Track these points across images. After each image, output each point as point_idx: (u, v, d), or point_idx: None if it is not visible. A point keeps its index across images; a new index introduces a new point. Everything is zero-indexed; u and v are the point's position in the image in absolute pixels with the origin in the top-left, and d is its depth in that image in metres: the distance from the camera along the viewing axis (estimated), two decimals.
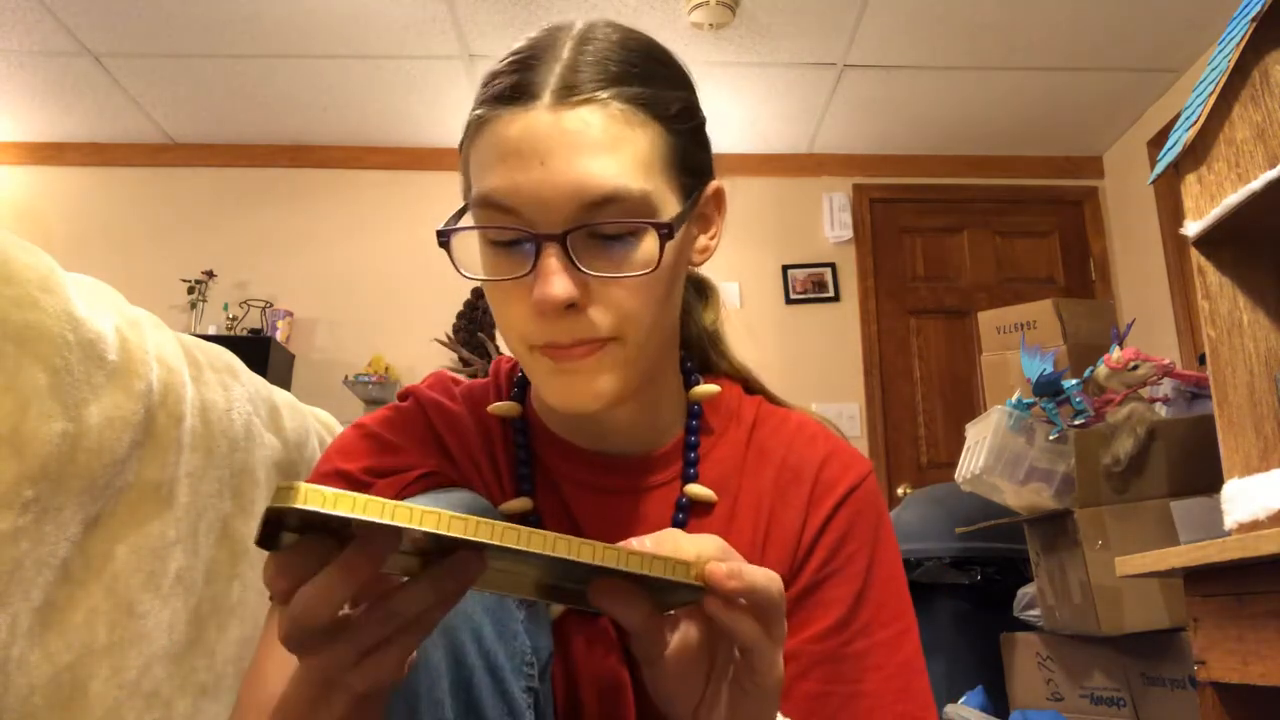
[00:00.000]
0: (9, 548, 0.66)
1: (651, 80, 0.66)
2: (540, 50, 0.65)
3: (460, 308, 3.81)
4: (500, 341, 2.56)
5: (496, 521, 0.44)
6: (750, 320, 3.84)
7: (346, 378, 3.71)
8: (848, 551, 0.72)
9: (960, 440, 1.93)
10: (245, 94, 3.69)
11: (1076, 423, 1.77)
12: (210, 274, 3.85)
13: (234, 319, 3.80)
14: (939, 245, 4.09)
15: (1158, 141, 3.63)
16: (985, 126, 3.90)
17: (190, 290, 3.80)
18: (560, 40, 0.66)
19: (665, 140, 0.65)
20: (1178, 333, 3.49)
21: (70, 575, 0.72)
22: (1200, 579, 1.18)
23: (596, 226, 0.62)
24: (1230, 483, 1.13)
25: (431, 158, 3.98)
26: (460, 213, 0.68)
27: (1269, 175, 1.07)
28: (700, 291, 0.86)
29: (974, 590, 2.07)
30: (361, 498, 0.42)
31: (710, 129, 0.73)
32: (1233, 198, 1.12)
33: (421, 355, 3.74)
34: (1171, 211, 3.53)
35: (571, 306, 0.63)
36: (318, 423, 1.16)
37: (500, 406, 0.77)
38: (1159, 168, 1.25)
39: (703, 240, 0.73)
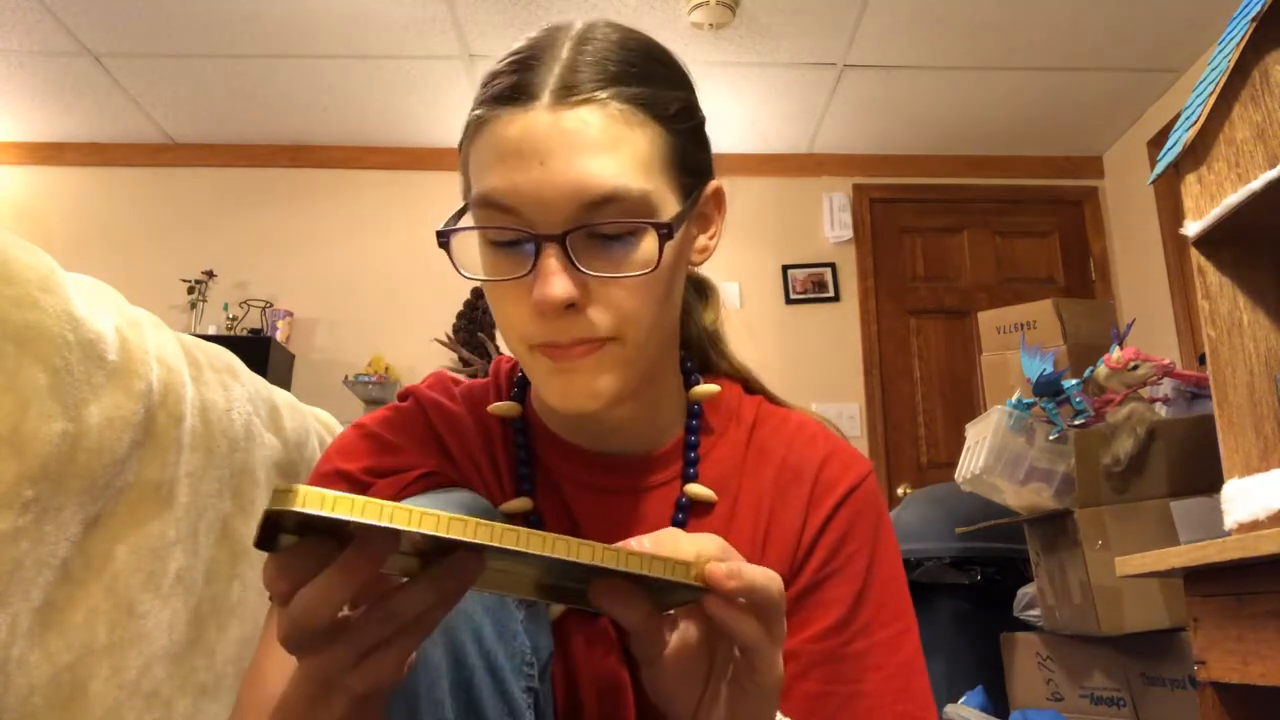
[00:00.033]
0: (9, 548, 0.66)
1: (651, 80, 0.66)
2: (539, 50, 0.65)
3: (460, 308, 3.81)
4: (500, 341, 2.56)
5: (495, 523, 0.44)
6: (750, 320, 3.84)
7: (346, 378, 3.71)
8: (848, 551, 0.72)
9: (960, 440, 1.93)
10: (245, 94, 3.69)
11: (1076, 423, 1.77)
12: (210, 274, 3.85)
13: (234, 319, 3.80)
14: (939, 245, 4.09)
15: (1158, 141, 3.63)
16: (985, 126, 3.90)
17: (190, 290, 3.80)
18: (559, 40, 0.66)
19: (665, 140, 0.65)
20: (1178, 333, 3.49)
21: (70, 575, 0.72)
22: (1200, 579, 1.18)
23: (596, 226, 0.62)
24: (1230, 483, 1.13)
25: (431, 158, 3.99)
26: (460, 213, 0.68)
27: (1269, 175, 1.07)
28: (700, 291, 0.86)
29: (974, 590, 2.07)
30: (360, 500, 0.42)
31: (710, 129, 0.73)
32: (1233, 198, 1.12)
33: (421, 355, 3.74)
34: (1171, 211, 3.53)
35: (571, 306, 0.63)
36: (318, 423, 1.16)
37: (500, 406, 0.77)
38: (1159, 168, 1.24)
39: (702, 240, 0.73)
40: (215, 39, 3.32)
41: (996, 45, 3.34)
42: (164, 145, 4.05)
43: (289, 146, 4.06)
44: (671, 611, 0.54)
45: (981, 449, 1.79)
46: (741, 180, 3.88)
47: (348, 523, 0.42)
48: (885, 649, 0.70)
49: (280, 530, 0.46)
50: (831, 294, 3.98)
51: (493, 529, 0.44)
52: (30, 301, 0.68)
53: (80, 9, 3.16)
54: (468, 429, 0.76)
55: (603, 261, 0.63)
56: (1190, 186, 1.20)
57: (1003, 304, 2.37)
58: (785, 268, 3.99)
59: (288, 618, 0.45)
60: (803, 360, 3.81)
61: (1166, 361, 1.77)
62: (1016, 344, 2.02)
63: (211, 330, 3.74)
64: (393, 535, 0.44)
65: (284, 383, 3.71)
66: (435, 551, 0.47)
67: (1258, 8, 1.13)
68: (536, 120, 0.62)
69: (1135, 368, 1.74)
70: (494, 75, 0.66)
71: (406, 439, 0.75)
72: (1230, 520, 1.11)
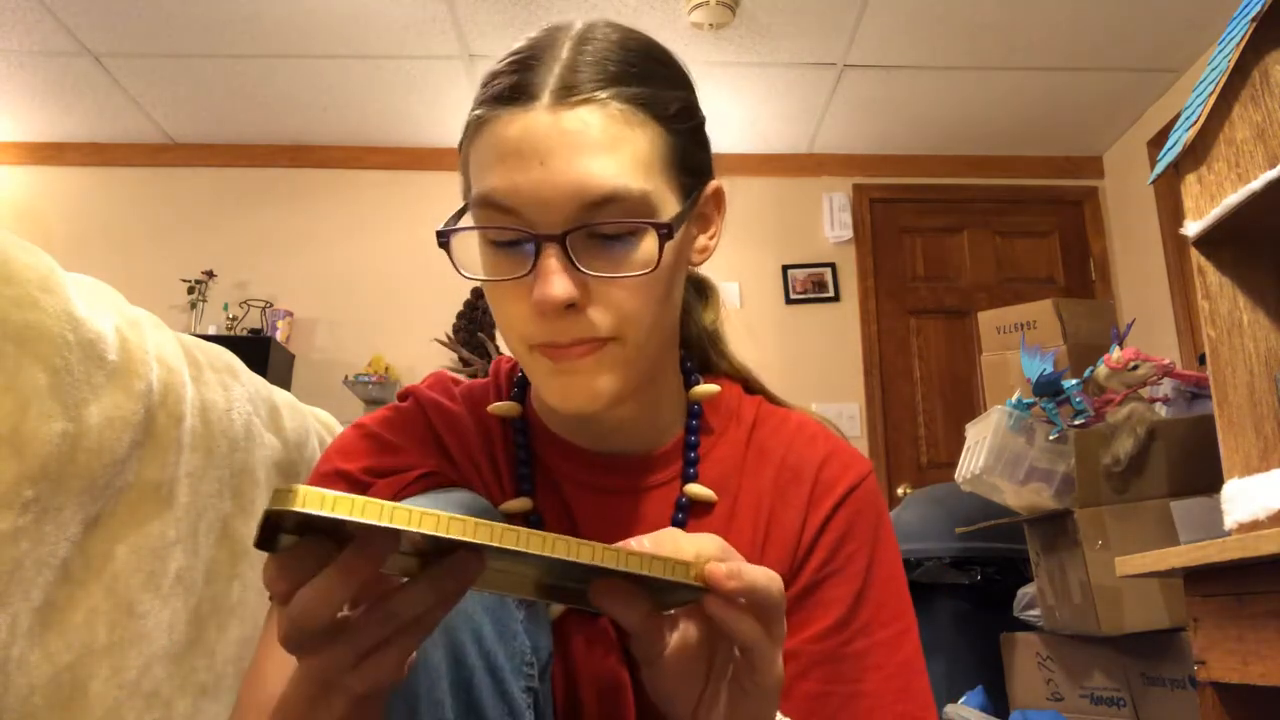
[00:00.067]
0: (9, 548, 0.66)
1: (650, 80, 0.66)
2: (539, 50, 0.65)
3: (460, 308, 3.81)
4: (500, 341, 2.56)
5: (495, 523, 0.44)
6: (750, 320, 3.84)
7: (346, 378, 3.71)
8: (847, 551, 0.72)
9: (960, 440, 1.93)
10: (245, 94, 3.69)
11: (1076, 423, 1.77)
12: (210, 274, 3.85)
13: (234, 319, 3.80)
14: (939, 245, 4.09)
15: (1158, 141, 3.63)
16: (985, 126, 3.90)
17: (190, 290, 3.80)
18: (559, 40, 0.66)
19: (664, 140, 0.66)
20: (1178, 333, 3.49)
21: (70, 575, 0.72)
22: (1200, 579, 1.18)
23: (596, 226, 0.62)
24: (1230, 483, 1.13)
25: (431, 158, 3.99)
26: (460, 213, 0.68)
27: (1269, 175, 1.07)
28: (700, 291, 0.86)
29: (974, 590, 2.07)
30: (360, 500, 0.42)
31: (710, 129, 0.73)
32: (1233, 198, 1.12)
33: (421, 355, 3.74)
34: (1171, 211, 3.53)
35: (571, 306, 0.63)
36: (318, 423, 1.16)
37: (500, 406, 0.77)
38: (1159, 168, 1.25)
39: (702, 240, 0.73)
40: (215, 39, 3.32)
41: (996, 45, 3.34)
42: (164, 145, 4.05)
43: (289, 146, 4.06)
44: (671, 611, 0.54)
45: (981, 449, 1.79)
46: (741, 180, 3.88)
47: (347, 523, 0.42)
48: (885, 649, 0.70)
49: (280, 530, 0.46)
50: (831, 294, 3.98)
51: (493, 529, 0.44)
52: (30, 301, 0.68)
53: (80, 9, 3.16)
54: (468, 429, 0.76)
55: (603, 261, 0.63)
56: (1190, 186, 1.20)
57: (1003, 304, 2.37)
58: (785, 268, 3.99)
59: (287, 618, 0.45)
60: (803, 360, 3.81)
61: (1166, 361, 1.77)
62: (1016, 344, 2.02)
63: (211, 330, 3.74)
64: (393, 535, 0.44)
65: (284, 383, 3.71)
66: (435, 552, 0.47)
67: (1258, 8, 1.13)
68: (536, 120, 0.62)
69: (1135, 368, 1.74)
70: (494, 75, 0.66)
71: (406, 439, 0.75)
72: (1230, 520, 1.11)
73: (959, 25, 3.22)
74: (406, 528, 0.42)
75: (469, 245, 0.67)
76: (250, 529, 0.95)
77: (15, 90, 3.65)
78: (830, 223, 4.04)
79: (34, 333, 0.68)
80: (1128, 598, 1.67)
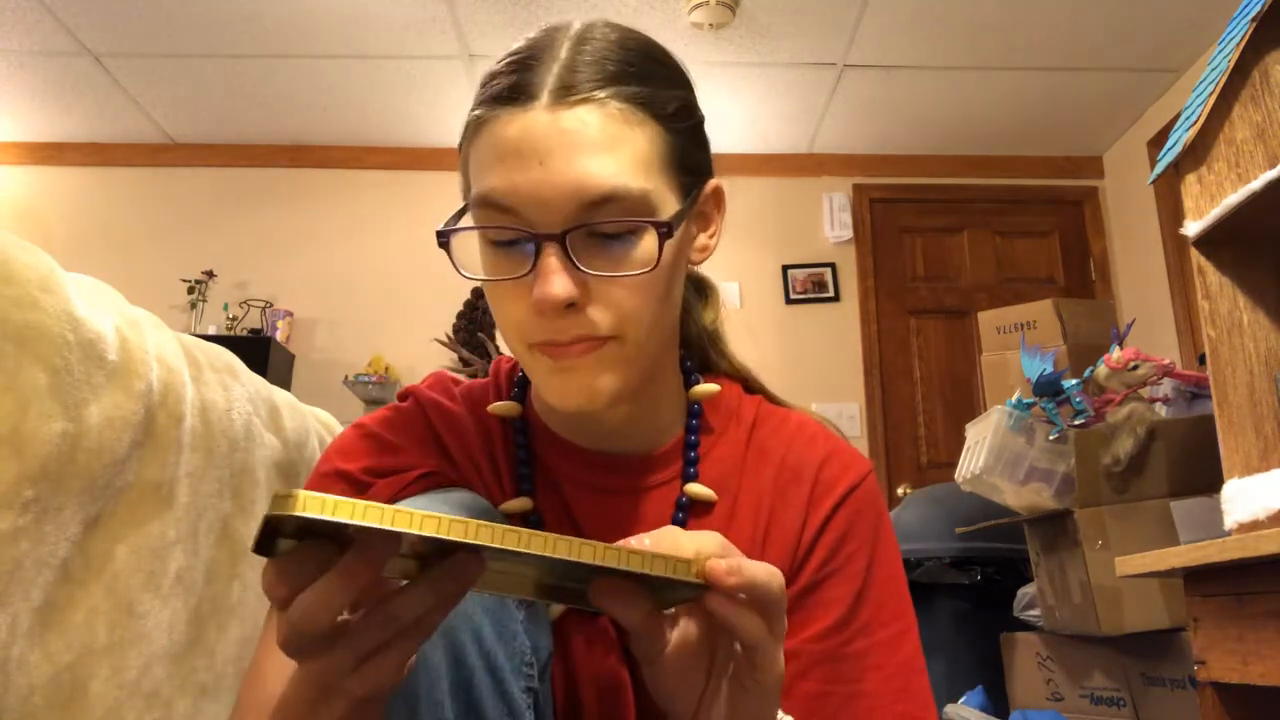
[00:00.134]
0: (9, 548, 0.66)
1: (649, 79, 0.66)
2: (538, 50, 0.65)
3: (460, 308, 3.81)
4: (500, 341, 2.56)
5: (496, 524, 0.44)
6: (750, 320, 3.84)
7: (346, 378, 3.71)
8: (847, 551, 0.72)
9: (960, 440, 1.93)
10: (245, 94, 3.69)
11: (1076, 423, 1.77)
12: (210, 274, 3.85)
13: (234, 319, 3.80)
14: (939, 245, 4.09)
15: (1158, 141, 3.63)
16: (985, 126, 3.90)
17: (190, 290, 3.80)
18: (558, 40, 0.66)
19: (664, 139, 0.66)
20: (1178, 333, 3.49)
21: (70, 575, 0.72)
22: (1200, 579, 1.18)
23: (596, 226, 0.62)
24: (1230, 483, 1.13)
25: (431, 158, 3.99)
26: (460, 213, 0.68)
27: (1269, 175, 1.07)
28: (700, 291, 0.86)
29: (974, 590, 2.07)
30: (361, 503, 0.41)
31: (710, 129, 0.73)
32: (1233, 198, 1.12)
33: (421, 355, 3.74)
34: (1171, 211, 3.53)
35: (571, 306, 0.63)
36: (318, 423, 1.16)
37: (500, 406, 0.77)
38: (1159, 168, 1.24)
39: (702, 239, 0.73)
40: (215, 39, 3.31)
41: (996, 45, 3.34)
42: (164, 145, 4.05)
43: (289, 146, 4.06)
44: (672, 610, 0.54)
45: (981, 449, 1.79)
46: (741, 180, 3.88)
47: (348, 526, 0.42)
48: (885, 649, 0.70)
49: (279, 535, 0.46)
50: (831, 294, 3.98)
51: (494, 530, 0.43)
52: (30, 301, 0.68)
53: (80, 9, 3.16)
54: (468, 429, 0.76)
55: (602, 260, 0.63)
56: (1190, 186, 1.20)
57: (1003, 304, 2.37)
58: (785, 268, 3.99)
59: (287, 623, 0.45)
60: (803, 360, 3.81)
61: (1166, 361, 1.77)
62: (1016, 344, 2.02)
63: (211, 330, 3.74)
64: (393, 538, 0.43)
65: (284, 383, 3.71)
66: (434, 553, 0.47)
67: (1258, 8, 1.13)
68: (535, 120, 0.62)
69: (1135, 368, 1.74)
70: (493, 75, 0.66)
71: (406, 439, 0.75)
72: (1230, 520, 1.11)
73: (959, 25, 3.22)
74: (408, 530, 0.42)
75: (469, 245, 0.67)
76: (250, 529, 0.95)
77: (15, 90, 3.65)
78: (830, 223, 4.04)
79: (34, 333, 0.68)
80: (1128, 598, 1.67)
